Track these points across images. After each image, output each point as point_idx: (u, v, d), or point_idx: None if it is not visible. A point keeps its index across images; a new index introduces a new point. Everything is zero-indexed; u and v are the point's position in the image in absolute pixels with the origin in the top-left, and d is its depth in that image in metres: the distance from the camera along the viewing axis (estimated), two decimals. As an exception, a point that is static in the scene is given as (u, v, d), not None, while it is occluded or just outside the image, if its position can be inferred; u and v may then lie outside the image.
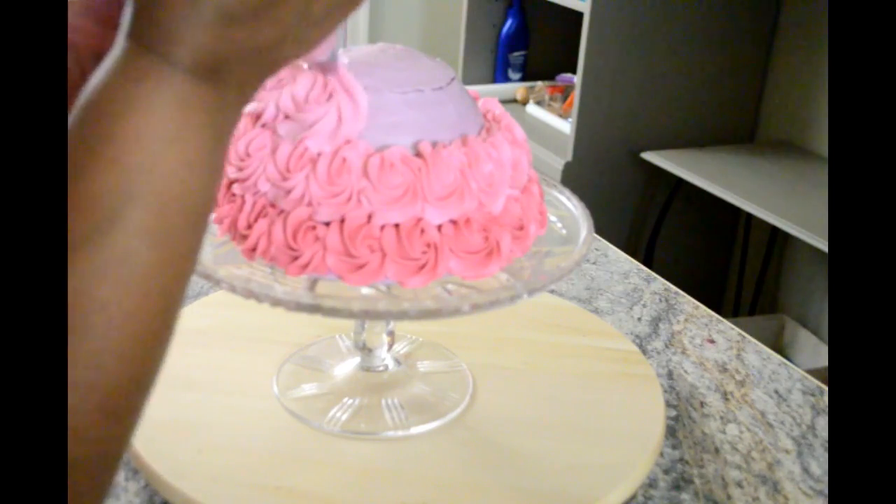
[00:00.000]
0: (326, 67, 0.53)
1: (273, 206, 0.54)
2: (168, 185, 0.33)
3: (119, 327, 0.32)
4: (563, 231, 0.63)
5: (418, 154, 0.54)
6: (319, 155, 0.53)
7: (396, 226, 0.53)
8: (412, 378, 0.70)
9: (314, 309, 0.51)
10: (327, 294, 0.53)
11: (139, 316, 0.32)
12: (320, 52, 0.48)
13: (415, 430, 0.64)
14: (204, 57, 0.34)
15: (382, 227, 0.53)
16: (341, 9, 0.38)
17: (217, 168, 0.36)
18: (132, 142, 0.32)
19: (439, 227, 0.54)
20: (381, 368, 0.69)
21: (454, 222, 0.54)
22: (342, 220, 0.53)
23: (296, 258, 0.53)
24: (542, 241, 0.61)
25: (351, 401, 0.66)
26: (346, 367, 0.70)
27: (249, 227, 0.54)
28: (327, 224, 0.53)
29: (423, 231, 0.53)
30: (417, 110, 0.55)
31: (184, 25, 0.33)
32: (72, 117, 0.33)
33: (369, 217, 0.53)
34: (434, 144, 0.54)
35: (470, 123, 0.57)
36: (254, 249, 0.54)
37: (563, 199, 0.66)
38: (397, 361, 0.71)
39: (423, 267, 0.53)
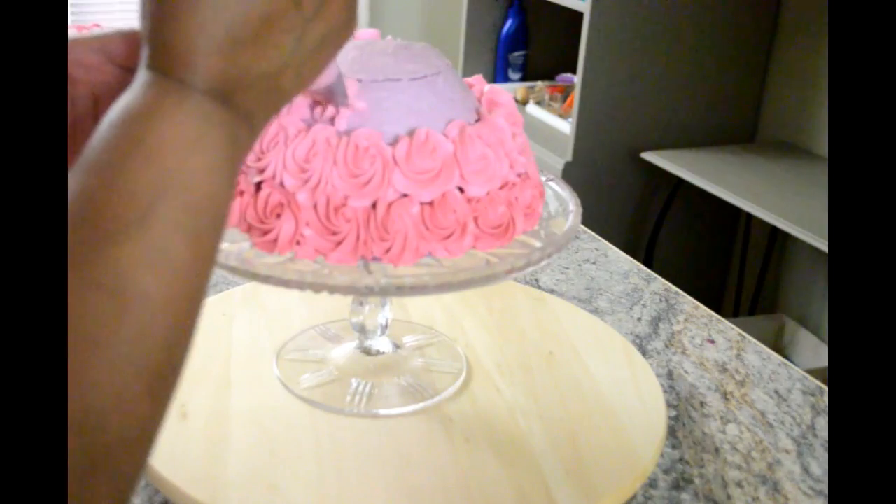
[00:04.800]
0: (332, 95, 0.54)
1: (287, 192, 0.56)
2: (195, 185, 0.36)
3: (160, 314, 0.34)
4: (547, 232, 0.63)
5: (390, 142, 0.55)
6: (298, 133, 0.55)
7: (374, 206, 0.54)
8: (408, 361, 0.71)
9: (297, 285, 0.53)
10: (306, 269, 0.54)
11: (176, 305, 0.35)
12: (324, 79, 0.50)
13: (404, 410, 0.65)
14: (216, 81, 0.37)
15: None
16: (334, 39, 0.42)
17: (233, 179, 0.39)
18: (161, 146, 0.35)
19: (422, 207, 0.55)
20: (377, 351, 0.70)
21: (431, 203, 0.55)
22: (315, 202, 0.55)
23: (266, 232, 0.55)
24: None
25: (357, 384, 0.67)
26: (343, 351, 0.71)
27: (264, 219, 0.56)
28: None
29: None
30: (397, 98, 0.56)
31: (195, 49, 0.37)
32: (98, 131, 0.36)
33: (345, 198, 0.54)
34: (412, 132, 0.55)
35: (456, 113, 0.58)
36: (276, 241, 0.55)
37: (554, 186, 0.66)
38: (395, 345, 0.72)
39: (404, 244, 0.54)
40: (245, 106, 0.39)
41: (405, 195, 0.55)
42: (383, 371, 0.70)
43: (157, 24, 0.37)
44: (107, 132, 0.36)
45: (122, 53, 0.46)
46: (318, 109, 0.55)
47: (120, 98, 0.37)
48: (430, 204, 0.55)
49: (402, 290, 0.53)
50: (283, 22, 0.38)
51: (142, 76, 0.37)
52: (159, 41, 0.37)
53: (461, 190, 0.56)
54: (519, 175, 0.59)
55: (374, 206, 0.54)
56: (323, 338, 0.74)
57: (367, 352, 0.71)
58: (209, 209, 0.37)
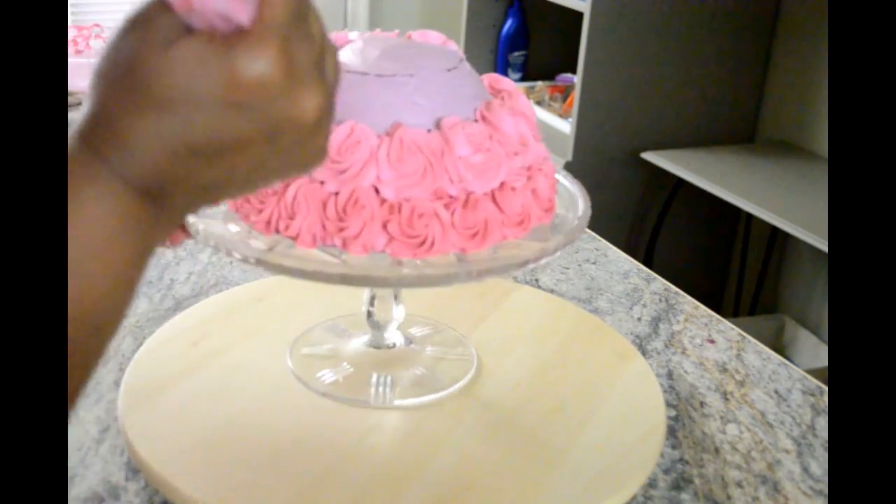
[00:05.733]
0: None
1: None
2: (84, 295, 0.33)
3: None
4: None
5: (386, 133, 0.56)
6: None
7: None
8: (418, 355, 0.71)
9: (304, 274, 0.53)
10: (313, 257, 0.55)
11: None
12: None
13: (415, 402, 0.66)
14: (153, 179, 0.35)
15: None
16: (291, 173, 0.39)
17: (133, 284, 0.36)
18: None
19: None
20: (389, 345, 0.71)
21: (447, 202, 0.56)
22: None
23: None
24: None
25: (370, 377, 0.68)
26: (355, 345, 0.71)
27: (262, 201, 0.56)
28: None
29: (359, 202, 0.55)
30: (392, 93, 0.56)
31: (145, 143, 0.34)
32: None
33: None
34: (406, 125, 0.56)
35: (458, 108, 0.58)
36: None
37: (563, 180, 0.67)
38: (407, 339, 0.72)
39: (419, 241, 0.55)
40: (174, 203, 0.36)
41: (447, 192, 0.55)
42: (396, 363, 0.70)
43: (114, 103, 0.34)
44: None
45: None
46: None
47: None
48: (457, 200, 0.56)
49: (404, 282, 0.54)
50: (251, 151, 0.36)
51: (71, 143, 0.34)
52: (105, 119, 0.34)
53: (472, 186, 0.57)
54: (531, 168, 0.60)
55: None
56: (334, 333, 0.74)
57: (378, 345, 0.71)
58: (92, 321, 0.34)
